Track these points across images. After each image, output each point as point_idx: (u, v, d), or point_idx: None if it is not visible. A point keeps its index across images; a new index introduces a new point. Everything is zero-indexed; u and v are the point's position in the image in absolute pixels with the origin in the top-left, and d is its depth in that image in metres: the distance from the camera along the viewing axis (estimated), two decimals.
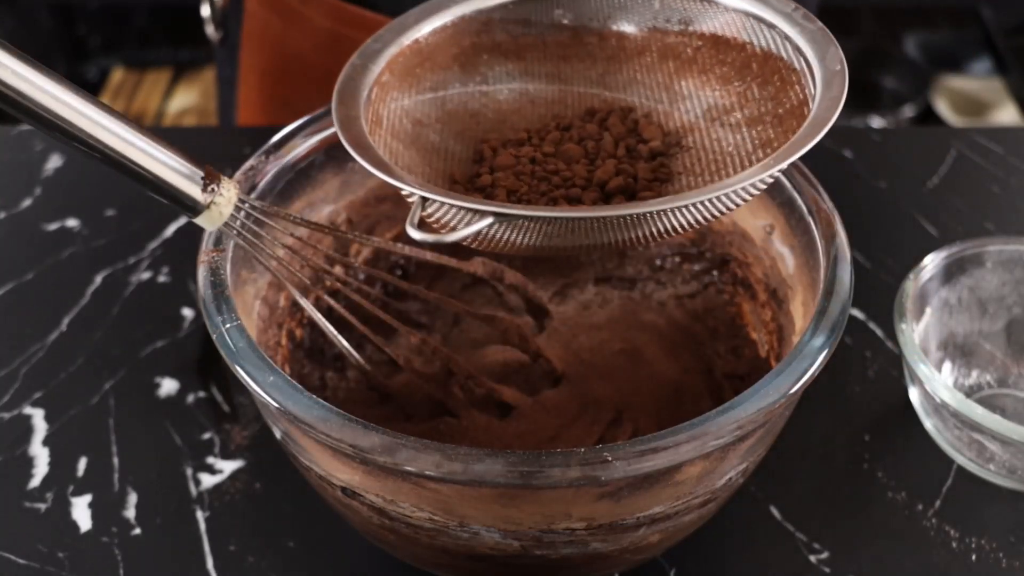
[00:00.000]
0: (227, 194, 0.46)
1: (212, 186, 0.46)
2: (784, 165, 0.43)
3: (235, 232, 0.47)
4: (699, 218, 0.45)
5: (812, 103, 0.47)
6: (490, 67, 0.55)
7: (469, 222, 0.44)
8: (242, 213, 0.47)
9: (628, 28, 0.55)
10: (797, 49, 0.49)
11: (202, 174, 0.45)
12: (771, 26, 0.50)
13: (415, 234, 0.43)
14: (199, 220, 0.46)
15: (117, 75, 1.85)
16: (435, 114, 0.54)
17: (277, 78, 0.82)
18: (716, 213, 0.45)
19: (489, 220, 0.43)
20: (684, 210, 0.44)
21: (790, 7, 0.50)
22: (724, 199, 0.45)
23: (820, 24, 0.49)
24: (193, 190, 0.45)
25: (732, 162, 0.50)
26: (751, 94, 0.51)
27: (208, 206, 0.46)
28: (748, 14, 0.51)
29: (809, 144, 0.43)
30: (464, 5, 0.54)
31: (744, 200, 0.46)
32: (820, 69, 0.47)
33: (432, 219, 0.46)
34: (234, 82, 0.89)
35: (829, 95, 0.46)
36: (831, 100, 0.45)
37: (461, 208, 0.44)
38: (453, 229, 0.45)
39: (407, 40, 0.53)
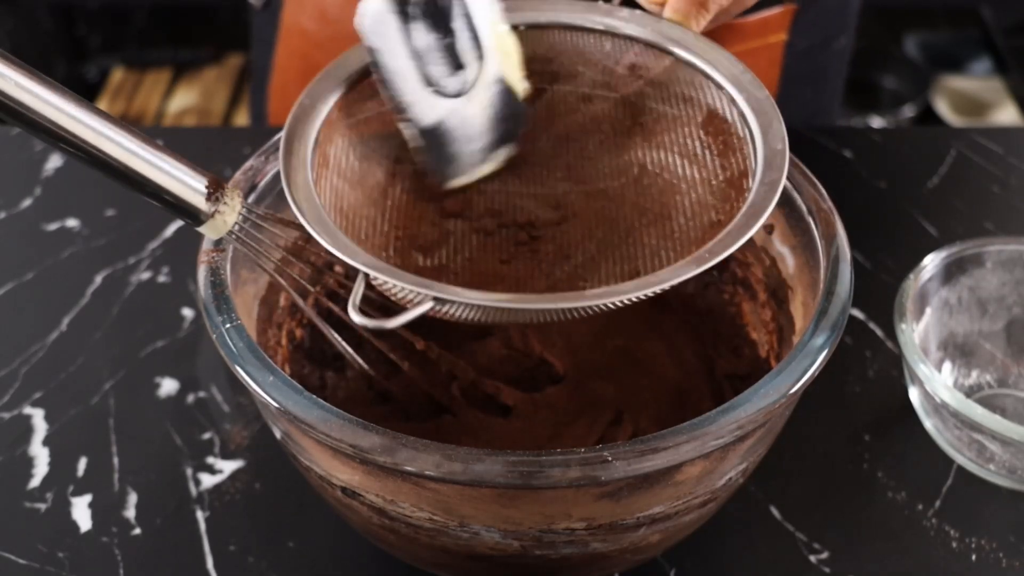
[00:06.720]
0: (231, 203, 0.45)
1: (216, 195, 0.45)
2: (718, 259, 0.43)
3: (235, 238, 0.47)
4: (632, 299, 0.44)
5: (752, 180, 0.47)
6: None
7: (413, 301, 0.43)
8: (242, 218, 0.46)
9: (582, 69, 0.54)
10: (742, 116, 0.49)
11: (206, 182, 0.44)
12: (719, 87, 0.51)
13: (356, 317, 0.42)
14: (202, 229, 0.46)
15: (117, 75, 1.85)
16: (384, 150, 0.52)
17: (318, 43, 0.79)
18: (648, 295, 0.44)
19: (429, 304, 0.43)
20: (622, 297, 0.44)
21: (739, 68, 0.50)
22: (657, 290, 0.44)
23: (767, 93, 0.49)
24: (197, 200, 0.44)
25: (676, 215, 0.50)
26: (694, 148, 0.51)
27: (212, 215, 0.45)
28: (697, 70, 0.51)
29: (744, 236, 0.44)
30: None
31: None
32: (763, 145, 0.47)
33: (378, 283, 0.44)
34: (272, 44, 0.87)
35: (769, 177, 0.46)
36: (770, 184, 0.46)
37: (403, 288, 0.43)
38: (397, 301, 0.44)
39: (355, 78, 0.51)
